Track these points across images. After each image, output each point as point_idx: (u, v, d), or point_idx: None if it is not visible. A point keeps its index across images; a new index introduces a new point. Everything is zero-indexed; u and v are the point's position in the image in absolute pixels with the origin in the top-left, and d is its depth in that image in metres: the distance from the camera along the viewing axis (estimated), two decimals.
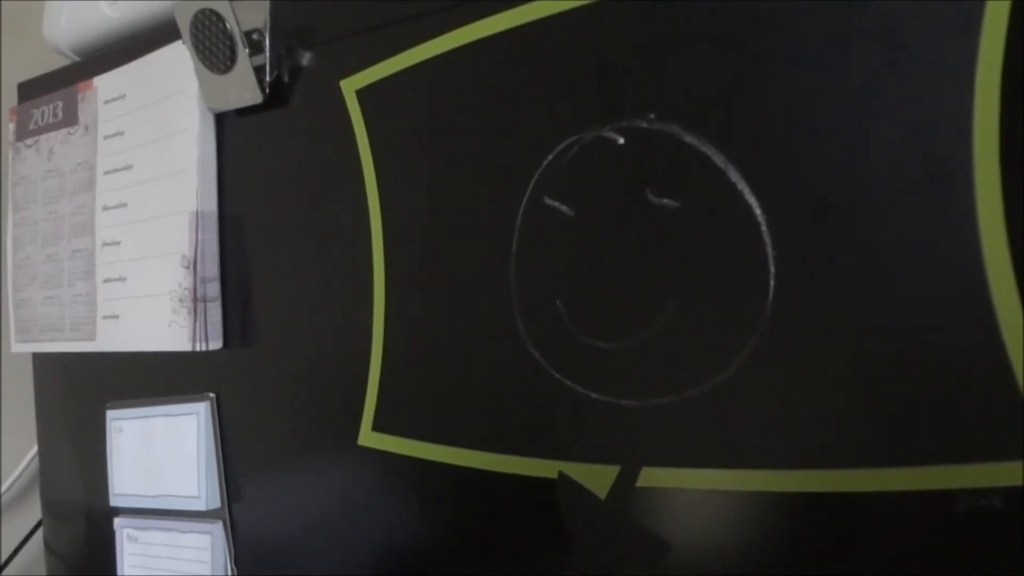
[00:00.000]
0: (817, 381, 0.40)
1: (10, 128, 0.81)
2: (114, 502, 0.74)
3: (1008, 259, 0.35)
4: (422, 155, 0.53)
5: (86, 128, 0.74)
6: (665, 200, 0.43)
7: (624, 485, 0.45)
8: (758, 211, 0.41)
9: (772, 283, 0.40)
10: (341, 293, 0.58)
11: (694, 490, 0.43)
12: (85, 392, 0.77)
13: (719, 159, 0.42)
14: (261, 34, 0.59)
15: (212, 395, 0.67)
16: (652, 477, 0.45)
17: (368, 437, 0.56)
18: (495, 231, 0.50)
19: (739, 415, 0.42)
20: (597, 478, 0.46)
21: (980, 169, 0.36)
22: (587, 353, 0.46)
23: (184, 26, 0.61)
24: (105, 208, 0.72)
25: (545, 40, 0.47)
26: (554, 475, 0.48)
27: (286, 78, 0.60)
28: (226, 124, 0.65)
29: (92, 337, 0.73)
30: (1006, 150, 0.35)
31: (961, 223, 0.36)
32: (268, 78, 0.60)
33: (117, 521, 0.74)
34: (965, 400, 0.36)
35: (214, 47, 0.60)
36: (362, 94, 0.56)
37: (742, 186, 0.41)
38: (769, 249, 0.40)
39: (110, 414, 0.74)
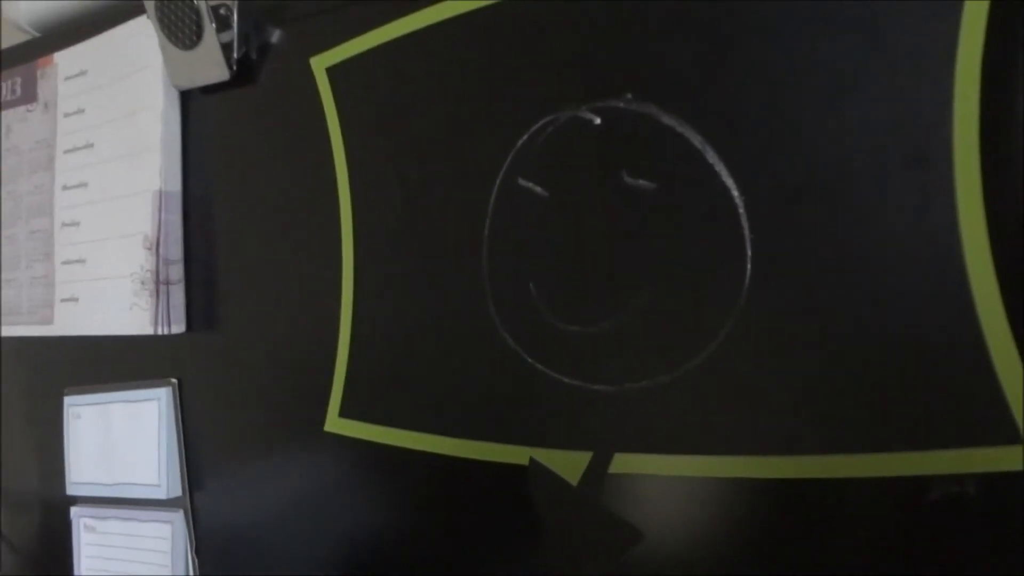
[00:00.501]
0: (791, 367, 0.39)
1: None
2: (71, 491, 0.72)
3: (987, 245, 0.35)
4: (393, 135, 0.52)
5: (45, 105, 0.72)
6: (641, 181, 0.43)
7: (596, 471, 0.45)
8: (735, 193, 0.40)
9: (749, 267, 0.40)
10: (309, 276, 0.56)
11: (667, 476, 0.43)
12: (42, 377, 0.75)
13: (697, 140, 0.41)
14: (229, 9, 0.57)
15: (174, 380, 0.65)
16: (625, 463, 0.44)
17: (335, 423, 0.55)
18: (467, 212, 0.49)
19: (713, 401, 0.41)
20: (569, 464, 0.46)
21: (960, 156, 0.35)
22: (560, 337, 0.46)
23: (149, 1, 0.59)
24: (64, 188, 0.70)
25: (521, 18, 0.46)
26: (526, 461, 0.47)
27: (254, 55, 0.59)
28: (192, 102, 0.63)
29: (50, 321, 0.71)
30: (986, 137, 0.35)
31: (940, 209, 0.36)
32: (236, 55, 0.58)
33: (74, 510, 0.72)
34: (940, 386, 0.36)
35: (180, 22, 0.58)
36: (333, 72, 0.55)
37: (719, 168, 0.40)
38: (746, 232, 0.40)
39: (68, 400, 0.72)
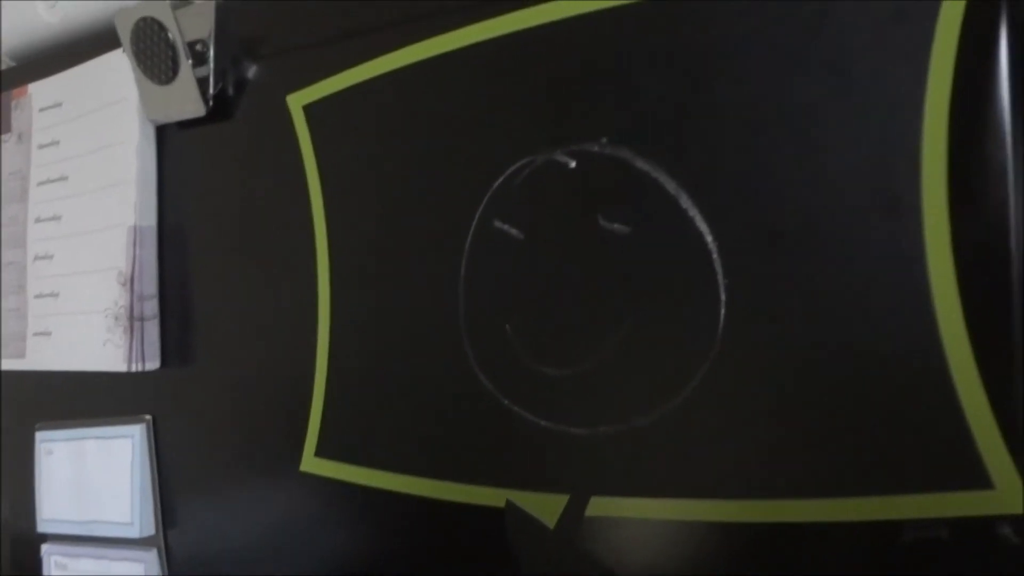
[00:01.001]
0: (765, 411, 0.39)
1: None
2: (42, 528, 0.70)
3: (955, 291, 0.35)
4: (370, 174, 0.52)
5: (19, 136, 0.71)
6: (616, 225, 0.43)
7: (573, 514, 0.45)
8: (709, 239, 0.40)
9: (723, 311, 0.40)
10: (284, 314, 0.56)
11: (644, 520, 0.43)
12: (14, 412, 0.74)
13: (671, 185, 0.41)
14: (205, 45, 0.57)
15: (148, 417, 0.64)
16: (601, 506, 0.44)
17: (311, 463, 0.55)
18: (444, 253, 0.49)
19: (688, 445, 0.41)
20: (546, 507, 0.45)
21: (928, 199, 0.36)
22: (536, 380, 0.46)
23: (125, 34, 0.59)
24: (38, 220, 0.69)
25: (497, 60, 0.47)
26: (502, 503, 0.47)
27: (231, 91, 0.59)
28: (167, 136, 0.63)
29: (22, 354, 0.70)
30: (954, 181, 0.35)
31: (910, 256, 0.36)
32: (212, 90, 0.58)
33: (45, 548, 0.70)
34: (912, 431, 0.36)
35: (156, 57, 0.58)
36: (309, 110, 0.55)
37: (693, 213, 0.41)
38: (720, 277, 0.40)
39: (39, 435, 0.71)
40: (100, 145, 0.65)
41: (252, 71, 0.58)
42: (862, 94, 0.37)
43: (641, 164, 0.42)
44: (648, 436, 0.42)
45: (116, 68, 0.63)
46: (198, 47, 0.57)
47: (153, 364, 0.62)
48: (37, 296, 0.69)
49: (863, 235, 0.37)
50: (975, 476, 0.35)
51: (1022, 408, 0.34)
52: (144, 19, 0.58)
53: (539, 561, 0.46)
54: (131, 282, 0.61)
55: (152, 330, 0.62)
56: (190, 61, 0.57)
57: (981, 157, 0.35)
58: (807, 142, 0.38)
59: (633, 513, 0.43)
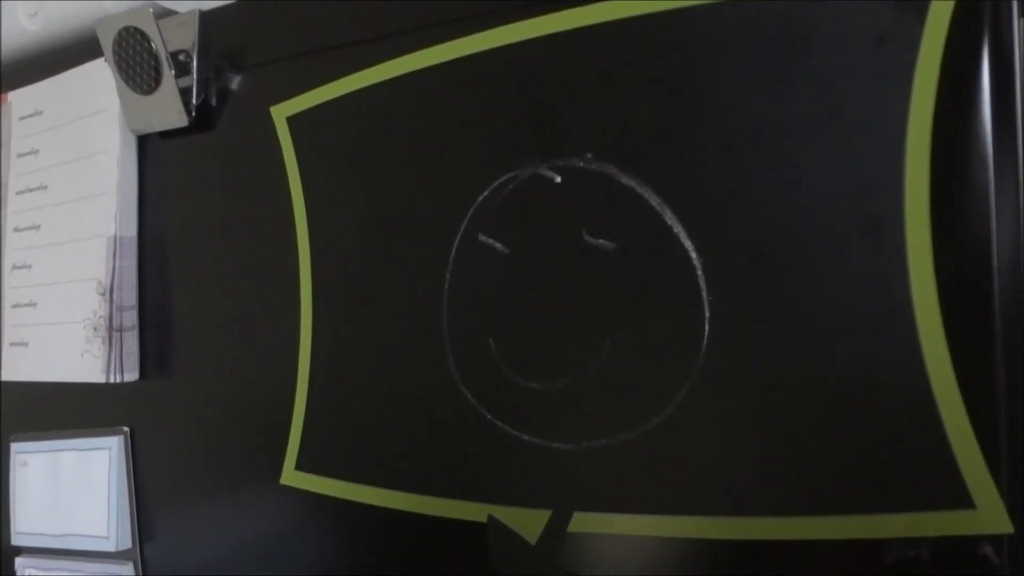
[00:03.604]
0: (749, 428, 0.40)
1: None
2: (16, 540, 0.69)
3: (938, 312, 0.35)
4: (354, 186, 0.52)
5: None
6: (601, 241, 0.43)
7: (555, 530, 0.44)
8: (694, 255, 0.40)
9: (707, 328, 0.40)
10: (265, 326, 0.56)
11: (626, 536, 0.43)
12: None
13: (655, 201, 0.41)
14: (188, 55, 0.57)
15: (126, 429, 0.63)
16: (584, 522, 0.44)
17: (291, 476, 0.54)
18: (427, 267, 0.48)
19: (671, 461, 0.41)
20: (528, 522, 0.45)
21: (911, 222, 0.36)
22: (520, 394, 0.45)
23: (107, 44, 0.59)
24: (16, 229, 0.68)
25: (483, 74, 0.47)
26: (484, 519, 0.46)
27: (214, 101, 0.58)
28: (149, 146, 0.63)
29: None
30: (936, 202, 0.36)
31: (892, 272, 0.36)
32: (195, 101, 0.58)
33: (19, 561, 0.69)
34: (895, 450, 0.36)
35: (138, 67, 0.58)
36: (293, 121, 0.54)
37: (678, 229, 0.41)
38: (704, 294, 0.40)
39: (14, 447, 0.70)
40: (81, 154, 0.64)
41: (235, 82, 0.58)
42: (846, 114, 0.37)
43: (626, 180, 0.42)
44: (632, 452, 0.42)
45: (98, 77, 0.63)
46: (181, 57, 0.57)
47: (132, 375, 0.61)
48: (14, 306, 0.68)
49: (847, 254, 0.37)
50: (957, 496, 0.35)
51: (1003, 428, 0.34)
52: (127, 28, 0.57)
53: None
54: (110, 292, 0.60)
55: (131, 341, 0.61)
56: (173, 71, 0.57)
57: (964, 179, 0.35)
58: (791, 161, 0.39)
59: (616, 529, 0.43)
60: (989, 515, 0.35)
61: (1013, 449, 0.34)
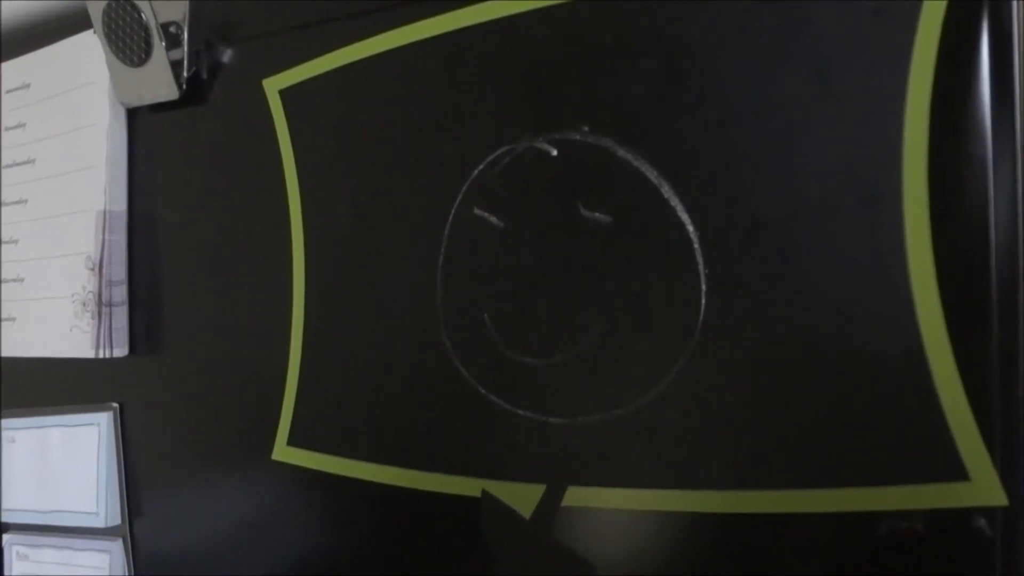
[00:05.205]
0: (744, 402, 0.39)
1: None
2: (3, 517, 0.69)
3: (935, 283, 0.35)
4: (347, 160, 0.51)
5: None
6: (597, 214, 0.43)
7: (549, 504, 0.44)
8: (691, 228, 0.40)
9: (704, 301, 0.40)
10: (257, 301, 0.55)
11: (620, 510, 0.43)
12: None
13: (652, 175, 0.41)
14: (179, 27, 0.56)
15: (115, 405, 0.63)
16: (578, 496, 0.44)
17: (283, 451, 0.54)
18: (422, 241, 0.48)
19: (667, 435, 0.41)
20: (522, 497, 0.45)
21: (909, 194, 0.36)
22: (514, 369, 0.45)
23: (96, 15, 0.58)
24: (3, 204, 0.67)
25: (478, 47, 0.46)
26: (478, 493, 0.46)
27: (205, 74, 0.58)
28: (139, 119, 0.62)
29: None
30: (934, 176, 0.35)
31: (889, 246, 0.36)
32: (186, 73, 0.57)
33: (6, 538, 0.69)
34: (890, 422, 0.37)
35: (128, 39, 0.57)
36: (286, 95, 0.54)
37: (675, 203, 0.41)
38: (701, 267, 0.40)
39: (2, 423, 0.69)
40: (69, 128, 0.63)
41: (227, 55, 0.57)
42: (844, 88, 0.37)
43: (623, 153, 0.42)
44: (627, 426, 0.42)
45: (86, 49, 0.62)
46: (172, 29, 0.56)
47: (121, 351, 0.61)
48: (2, 281, 0.67)
49: (844, 228, 0.37)
50: (951, 468, 0.35)
51: (998, 400, 0.35)
52: (116, 0, 0.56)
53: (515, 551, 0.45)
54: (100, 267, 0.60)
55: (121, 316, 0.61)
56: (163, 43, 0.56)
57: (962, 153, 0.35)
58: (789, 135, 0.38)
59: (610, 503, 0.43)
60: (983, 487, 0.35)
61: (1008, 421, 0.35)
